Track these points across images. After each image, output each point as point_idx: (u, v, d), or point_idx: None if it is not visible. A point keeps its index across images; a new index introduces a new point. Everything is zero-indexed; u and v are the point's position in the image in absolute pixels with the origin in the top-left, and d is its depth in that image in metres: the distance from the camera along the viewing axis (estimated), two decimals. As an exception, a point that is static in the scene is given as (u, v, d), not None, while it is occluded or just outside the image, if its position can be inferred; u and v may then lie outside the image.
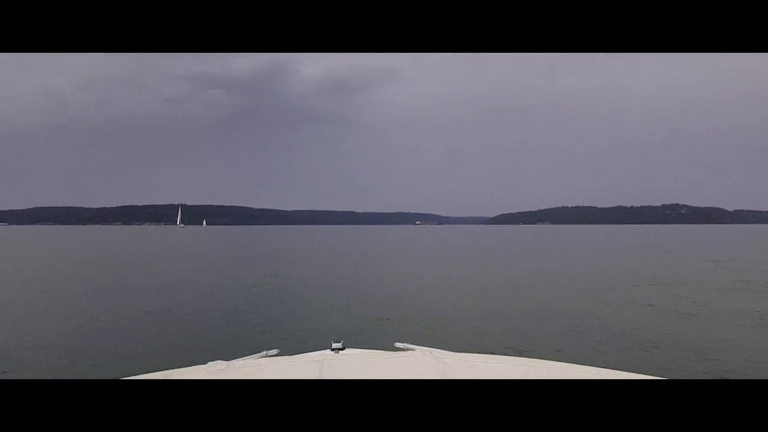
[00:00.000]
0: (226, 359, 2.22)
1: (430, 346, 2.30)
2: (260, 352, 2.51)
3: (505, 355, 2.15)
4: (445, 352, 2.22)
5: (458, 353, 2.19)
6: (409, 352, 2.26)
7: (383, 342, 2.65)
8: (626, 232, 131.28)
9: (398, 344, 2.47)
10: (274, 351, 2.48)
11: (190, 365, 2.17)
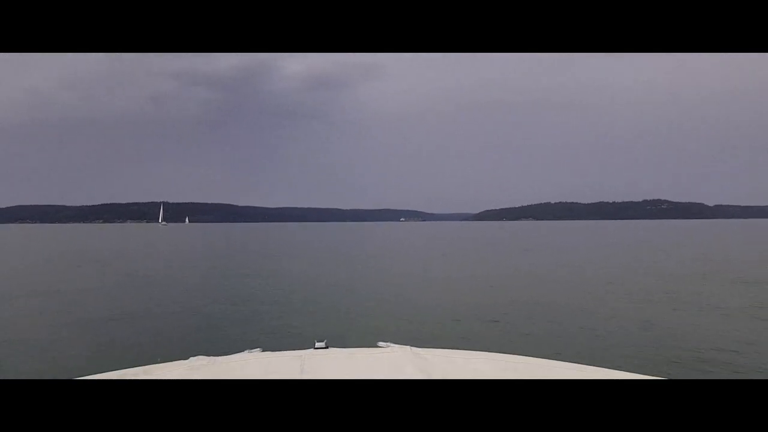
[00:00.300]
0: (211, 356, 2.22)
1: (414, 345, 2.32)
2: (243, 351, 2.54)
3: (486, 351, 2.16)
4: (427, 349, 2.22)
5: (439, 350, 2.20)
6: (390, 349, 2.27)
7: (367, 341, 2.70)
8: (611, 228, 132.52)
9: (381, 343, 2.50)
10: (258, 350, 2.53)
11: (172, 360, 2.15)
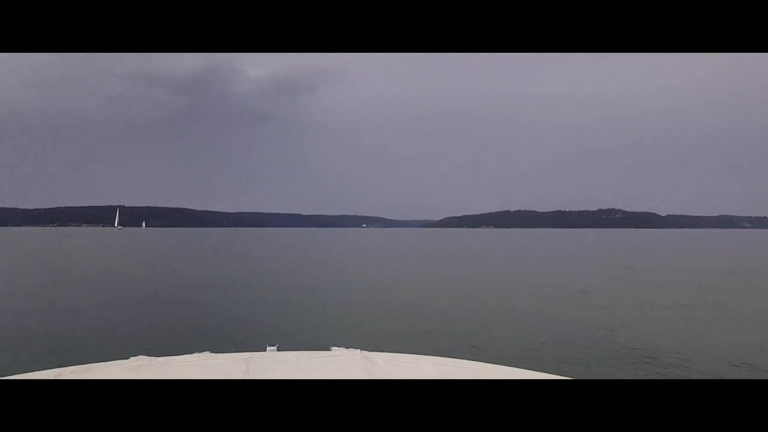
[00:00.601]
0: (153, 356, 2.21)
1: (368, 349, 2.29)
2: (191, 353, 2.48)
3: (436, 356, 2.18)
4: (377, 353, 2.20)
5: (389, 354, 2.18)
6: (340, 352, 2.25)
7: (321, 345, 2.67)
8: (566, 237, 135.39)
9: (334, 348, 2.48)
10: (206, 352, 2.48)
11: (112, 360, 2.13)
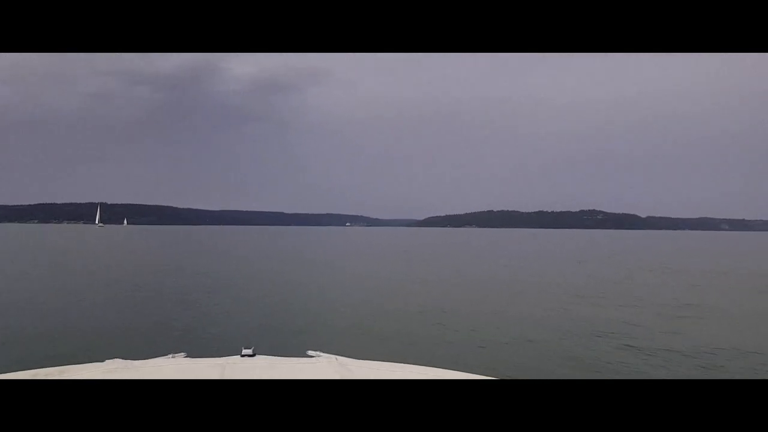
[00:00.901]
0: (129, 359, 2.15)
1: (344, 355, 2.26)
2: (166, 355, 2.44)
3: (414, 364, 2.14)
4: (355, 360, 2.18)
5: (365, 361, 2.16)
6: (317, 359, 2.22)
7: (296, 349, 2.65)
8: (548, 237, 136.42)
9: (310, 352, 2.44)
10: (181, 354, 2.43)
11: (88, 362, 2.10)
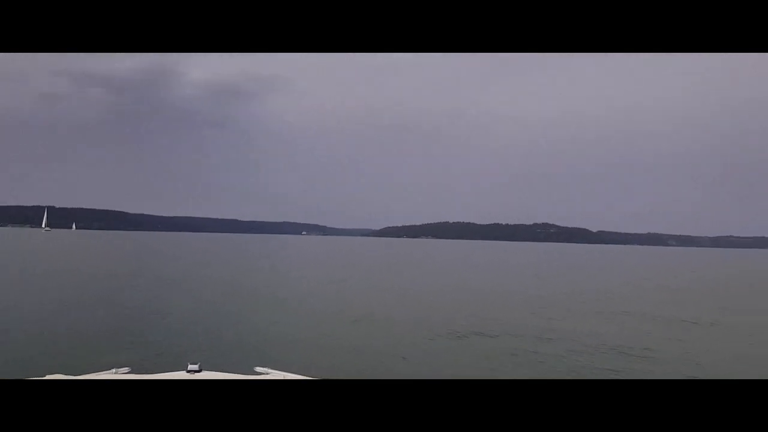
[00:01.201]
0: (72, 374, 2.07)
1: (297, 372, 2.23)
2: (109, 369, 2.33)
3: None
4: (303, 377, 2.16)
5: (314, 379, 2.14)
6: (263, 376, 2.17)
7: (243, 365, 2.57)
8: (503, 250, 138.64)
9: (258, 368, 2.38)
10: (125, 369, 2.33)
11: (26, 377, 2.05)
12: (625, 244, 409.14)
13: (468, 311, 18.67)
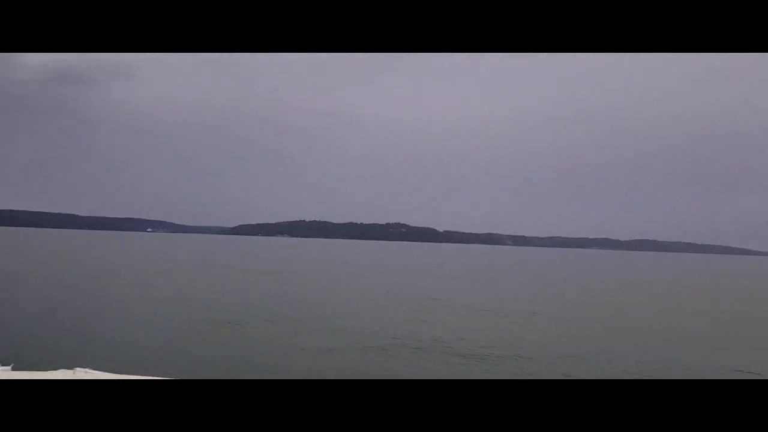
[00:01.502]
0: None
1: (123, 372, 2.15)
2: None
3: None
4: (127, 376, 2.02)
5: (126, 375, 2.03)
6: (77, 375, 2.05)
7: (61, 364, 2.46)
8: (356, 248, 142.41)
9: (78, 369, 2.29)
10: None
11: None
12: (467, 242, 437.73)
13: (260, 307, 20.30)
